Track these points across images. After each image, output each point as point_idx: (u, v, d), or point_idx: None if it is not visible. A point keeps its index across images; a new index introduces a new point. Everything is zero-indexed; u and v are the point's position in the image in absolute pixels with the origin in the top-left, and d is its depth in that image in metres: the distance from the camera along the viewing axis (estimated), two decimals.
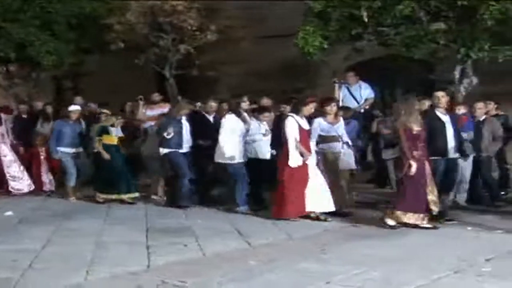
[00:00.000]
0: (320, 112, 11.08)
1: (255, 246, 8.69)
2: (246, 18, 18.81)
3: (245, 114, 11.89)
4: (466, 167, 11.71)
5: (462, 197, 11.90)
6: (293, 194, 10.32)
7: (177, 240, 8.91)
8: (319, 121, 11.07)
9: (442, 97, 10.71)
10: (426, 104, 11.43)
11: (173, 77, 17.75)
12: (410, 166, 9.60)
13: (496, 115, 12.92)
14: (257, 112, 12.03)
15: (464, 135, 11.51)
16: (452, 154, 10.52)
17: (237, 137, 11.51)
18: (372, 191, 13.52)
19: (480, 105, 12.20)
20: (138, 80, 18.63)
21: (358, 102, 13.86)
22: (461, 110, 12.10)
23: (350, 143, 11.39)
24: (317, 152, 10.91)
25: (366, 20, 12.53)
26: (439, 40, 12.56)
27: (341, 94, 13.96)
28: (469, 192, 11.98)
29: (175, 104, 13.99)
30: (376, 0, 12.10)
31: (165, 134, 12.07)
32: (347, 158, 11.30)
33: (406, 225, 9.68)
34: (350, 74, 14.04)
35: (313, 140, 10.92)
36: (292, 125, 10.43)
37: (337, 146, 11.16)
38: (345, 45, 13.83)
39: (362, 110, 14.14)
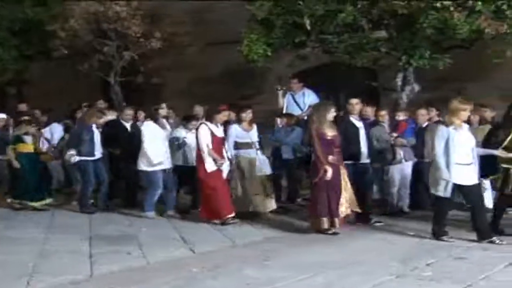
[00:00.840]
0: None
1: (199, 253, 8.72)
2: (192, 24, 18.86)
3: (164, 121, 12.16)
4: (406, 173, 11.93)
5: (404, 203, 12.09)
6: (215, 197, 10.79)
7: (121, 248, 8.88)
8: (234, 128, 11.58)
9: (356, 104, 11.09)
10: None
11: (118, 83, 17.66)
12: (325, 171, 9.76)
13: (438, 122, 13.13)
14: (185, 120, 12.33)
15: (404, 141, 11.77)
16: (364, 159, 10.81)
17: (159, 144, 11.65)
18: None
19: (422, 111, 12.41)
20: (83, 87, 18.52)
21: (301, 109, 13.94)
22: (400, 116, 12.32)
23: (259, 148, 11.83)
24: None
25: (309, 28, 12.65)
26: (380, 48, 12.76)
27: (285, 101, 14.03)
28: (412, 197, 12.16)
29: (119, 110, 13.96)
30: (319, 8, 12.20)
31: (66, 157, 12.37)
32: (262, 163, 11.64)
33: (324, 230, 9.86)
34: (294, 81, 14.12)
35: (230, 146, 11.44)
36: (205, 132, 10.89)
37: (252, 152, 11.58)
38: (289, 52, 13.92)
39: (306, 117, 14.23)
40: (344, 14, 12.10)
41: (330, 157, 9.87)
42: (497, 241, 8.97)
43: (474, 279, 7.11)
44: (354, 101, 11.11)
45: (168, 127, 12.21)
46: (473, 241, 9.17)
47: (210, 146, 10.88)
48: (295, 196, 13.30)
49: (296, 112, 13.75)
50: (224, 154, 11.16)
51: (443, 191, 9.10)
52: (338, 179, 9.94)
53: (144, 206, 11.68)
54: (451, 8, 11.36)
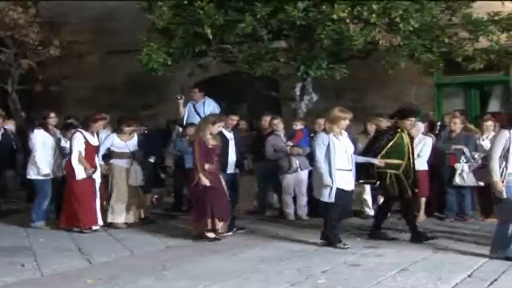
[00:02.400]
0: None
1: (96, 264, 8.58)
2: (92, 33, 18.63)
3: (55, 129, 12.04)
4: (302, 181, 12.12)
5: (303, 211, 12.27)
6: (79, 205, 10.84)
7: (15, 260, 8.64)
8: (112, 137, 11.65)
9: (231, 120, 11.60)
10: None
11: (16, 92, 17.28)
12: (199, 178, 9.92)
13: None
14: (64, 129, 12.32)
15: (300, 150, 11.97)
16: (232, 169, 11.03)
17: (48, 152, 11.54)
18: None
19: (321, 121, 12.61)
20: None
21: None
22: (298, 125, 12.50)
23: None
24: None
25: (210, 37, 12.68)
26: (280, 58, 12.91)
27: (186, 110, 14.02)
28: (310, 205, 12.34)
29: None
30: (219, 18, 12.25)
31: None
32: (136, 174, 11.65)
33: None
34: (195, 90, 14.11)
35: (100, 154, 11.48)
36: (78, 140, 10.96)
37: (126, 162, 11.62)
38: (190, 61, 13.91)
39: None
40: (244, 24, 12.17)
41: (207, 165, 10.02)
42: (341, 246, 9.32)
43: (367, 285, 7.27)
44: (234, 117, 11.76)
45: (58, 135, 11.97)
46: (368, 247, 9.38)
47: (83, 154, 10.93)
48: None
49: (197, 121, 13.70)
50: (96, 162, 11.23)
51: (327, 196, 9.33)
52: (220, 185, 10.17)
53: (32, 216, 11.47)
54: (347, 20, 11.59)
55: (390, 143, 9.92)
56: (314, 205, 12.29)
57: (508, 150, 8.25)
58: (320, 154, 9.36)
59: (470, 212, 11.96)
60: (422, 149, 11.79)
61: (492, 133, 11.93)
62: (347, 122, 9.56)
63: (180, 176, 13.30)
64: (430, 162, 11.90)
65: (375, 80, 15.24)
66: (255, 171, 12.99)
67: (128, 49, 15.55)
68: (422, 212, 11.89)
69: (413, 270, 7.96)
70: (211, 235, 10.00)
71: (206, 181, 9.96)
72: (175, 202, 13.67)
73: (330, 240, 9.47)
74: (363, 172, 9.88)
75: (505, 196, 8.27)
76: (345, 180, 9.43)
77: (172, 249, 9.68)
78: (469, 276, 7.67)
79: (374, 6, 11.59)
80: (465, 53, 12.25)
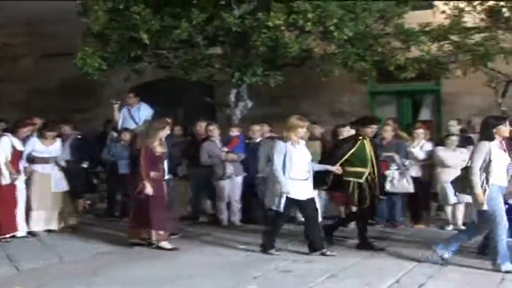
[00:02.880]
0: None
1: (24, 271, 8.45)
2: (27, 36, 18.39)
3: None
4: (236, 187, 12.18)
5: (236, 217, 12.32)
6: (1, 213, 10.54)
7: None
8: (33, 142, 11.35)
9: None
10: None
11: None
12: (143, 186, 9.82)
13: (271, 137, 13.46)
14: None
15: (235, 156, 12.02)
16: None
17: None
18: None
19: (256, 127, 12.70)
20: None
21: (137, 123, 13.88)
22: (234, 132, 12.56)
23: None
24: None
25: (146, 42, 12.63)
26: (215, 64, 12.94)
27: (121, 115, 13.94)
28: (244, 212, 12.41)
29: None
30: (155, 24, 12.22)
31: None
32: (57, 180, 11.52)
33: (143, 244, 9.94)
34: (130, 95, 14.05)
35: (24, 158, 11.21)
36: (5, 145, 10.74)
37: (47, 167, 11.42)
38: (126, 66, 13.83)
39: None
40: (180, 30, 12.16)
41: (153, 173, 9.92)
42: (328, 253, 9.29)
43: None
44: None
45: None
46: (300, 253, 9.46)
47: (9, 159, 10.71)
48: (129, 211, 13.22)
49: (132, 126, 13.69)
50: (21, 168, 11.02)
51: (276, 205, 9.31)
52: (162, 194, 10.07)
53: None
54: (283, 28, 11.69)
55: (351, 151, 9.91)
56: (247, 211, 12.46)
57: (488, 163, 8.23)
58: (278, 162, 9.29)
59: (400, 219, 12.18)
60: None
61: (423, 141, 12.21)
62: (304, 130, 9.63)
63: (114, 182, 13.25)
64: None
65: (310, 87, 15.40)
66: (189, 177, 12.98)
67: (64, 52, 15.38)
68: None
69: (342, 276, 8.07)
70: (144, 243, 9.90)
71: (150, 190, 9.83)
72: (107, 208, 13.58)
73: (264, 246, 9.52)
74: (319, 179, 9.84)
75: (486, 208, 8.23)
76: (299, 189, 9.34)
77: (103, 255, 9.59)
78: (397, 281, 7.81)
79: (309, 15, 11.69)
80: (397, 62, 12.46)
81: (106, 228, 11.90)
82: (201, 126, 13.06)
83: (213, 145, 12.37)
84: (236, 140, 12.40)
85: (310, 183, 9.53)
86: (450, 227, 11.59)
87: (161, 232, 9.92)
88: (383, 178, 11.95)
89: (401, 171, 11.87)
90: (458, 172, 10.96)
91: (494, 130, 8.36)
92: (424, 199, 12.53)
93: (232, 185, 12.25)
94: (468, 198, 11.42)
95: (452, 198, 11.17)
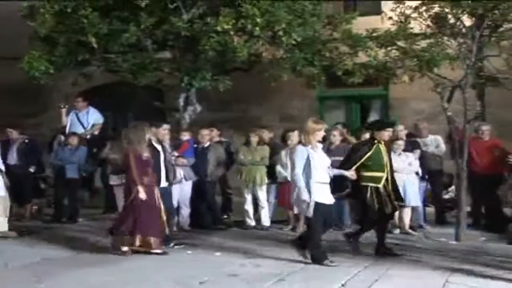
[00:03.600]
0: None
1: None
2: None
3: None
4: (186, 192, 12.15)
5: (185, 222, 12.29)
6: None
7: None
8: None
9: (166, 129, 11.12)
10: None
11: None
12: (138, 192, 9.65)
13: (220, 142, 13.50)
14: None
15: (185, 160, 11.98)
16: (164, 183, 10.51)
17: None
18: (101, 216, 13.53)
19: (205, 131, 12.69)
20: None
21: (85, 128, 13.78)
22: (185, 136, 12.53)
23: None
24: None
25: (94, 46, 12.54)
26: (164, 68, 12.90)
27: (69, 119, 13.81)
28: (193, 216, 12.39)
29: None
30: (103, 27, 12.14)
31: None
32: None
33: (138, 250, 9.72)
34: (78, 99, 13.95)
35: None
36: None
37: None
38: (73, 70, 13.71)
39: (89, 136, 14.13)
40: (128, 34, 12.11)
41: (146, 179, 9.77)
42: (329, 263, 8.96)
43: None
44: (167, 126, 11.18)
45: None
46: (248, 257, 9.48)
47: None
48: (76, 216, 13.14)
49: (80, 130, 13.58)
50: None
51: (307, 212, 8.98)
52: (154, 200, 9.84)
53: None
54: (231, 32, 11.71)
55: (367, 155, 9.71)
56: (197, 216, 12.45)
57: None
58: (299, 168, 8.97)
59: (349, 222, 12.27)
60: None
61: None
62: (322, 132, 9.27)
63: (61, 186, 13.12)
64: None
65: (259, 92, 15.46)
66: None
67: (11, 56, 15.16)
68: (301, 222, 12.10)
69: (290, 280, 8.10)
70: (126, 249, 9.68)
71: (144, 195, 9.65)
72: (55, 213, 13.42)
73: (315, 257, 9.03)
74: (336, 186, 9.46)
75: None
76: (325, 193, 9.03)
77: (49, 261, 9.43)
78: (343, 285, 7.87)
79: (258, 19, 11.72)
80: (345, 67, 12.59)
81: (52, 234, 11.72)
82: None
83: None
84: (186, 144, 12.35)
85: (329, 187, 9.20)
86: (397, 231, 11.71)
87: (154, 239, 9.72)
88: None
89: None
90: (404, 176, 11.26)
91: None
92: None
93: (182, 190, 12.20)
94: (416, 201, 11.69)
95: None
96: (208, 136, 12.73)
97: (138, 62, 12.68)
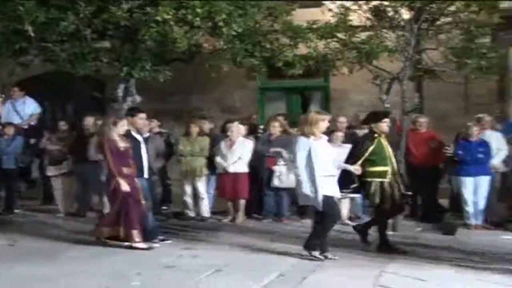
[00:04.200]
0: None
1: None
2: None
3: None
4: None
5: None
6: None
7: None
8: None
9: (141, 118, 10.84)
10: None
11: None
12: (117, 183, 9.52)
13: (160, 133, 13.41)
14: None
15: None
16: (146, 174, 10.33)
17: None
18: (39, 208, 13.37)
19: (154, 123, 12.58)
20: None
21: (22, 118, 13.54)
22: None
23: None
24: None
25: (31, 35, 12.27)
26: (103, 58, 12.72)
27: (5, 109, 13.56)
28: None
29: None
30: (40, 16, 11.90)
31: None
32: None
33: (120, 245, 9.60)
34: (14, 89, 13.70)
35: None
36: None
37: None
38: (10, 59, 13.41)
39: (26, 126, 13.90)
40: (66, 23, 11.88)
41: (125, 169, 9.62)
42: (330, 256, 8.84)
43: (180, 287, 7.35)
44: (141, 115, 10.85)
45: None
46: (185, 249, 9.47)
47: None
48: (12, 207, 12.94)
49: (17, 121, 13.34)
50: None
51: (319, 205, 8.69)
52: (136, 191, 9.67)
53: None
54: (172, 22, 11.58)
55: (370, 149, 9.50)
56: None
57: None
58: (300, 161, 8.75)
59: (287, 213, 12.33)
60: (243, 151, 12.08)
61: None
62: (326, 123, 9.03)
63: None
64: (249, 165, 12.20)
65: (200, 83, 15.38)
66: (75, 173, 12.77)
67: None
68: (241, 213, 12.15)
69: (227, 271, 8.15)
70: (113, 242, 9.59)
71: (126, 187, 9.48)
72: None
73: (310, 245, 8.87)
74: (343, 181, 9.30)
75: None
76: (331, 186, 8.82)
77: None
78: (281, 274, 7.93)
79: (198, 10, 11.62)
80: (285, 58, 12.55)
81: None
82: (88, 121, 12.86)
83: None
84: None
85: (335, 180, 9.02)
86: None
87: (136, 231, 9.57)
88: (270, 173, 12.18)
89: (288, 166, 12.02)
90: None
91: None
92: None
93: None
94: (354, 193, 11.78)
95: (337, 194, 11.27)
96: (147, 127, 12.59)
97: (76, 51, 12.44)
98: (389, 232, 10.79)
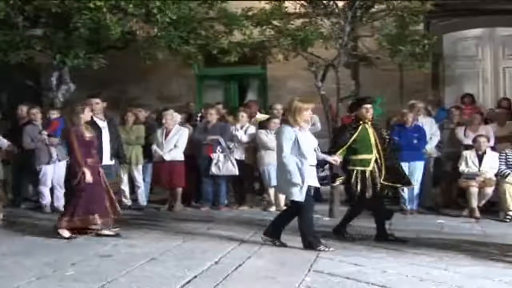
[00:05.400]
0: None
1: None
2: None
3: None
4: (61, 172, 11.87)
5: (60, 203, 12.01)
6: None
7: None
8: None
9: (97, 103, 10.70)
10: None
11: None
12: (83, 173, 9.39)
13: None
14: None
15: (56, 140, 11.73)
16: (108, 160, 10.43)
17: None
18: None
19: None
20: None
21: None
22: (54, 115, 12.26)
23: None
24: None
25: None
26: (35, 46, 12.52)
27: None
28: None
29: None
30: None
31: None
32: None
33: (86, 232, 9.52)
34: None
35: None
36: None
37: None
38: None
39: None
40: None
41: (89, 160, 9.50)
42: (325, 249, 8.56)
43: (116, 276, 7.27)
44: (96, 100, 10.72)
45: None
46: (122, 238, 9.40)
47: None
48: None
49: None
50: None
51: (299, 195, 8.51)
52: (99, 180, 9.61)
53: None
54: (104, 9, 11.47)
55: (353, 137, 9.26)
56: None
57: None
58: (287, 150, 8.50)
59: (225, 201, 12.34)
60: (179, 139, 12.04)
61: (247, 124, 12.43)
62: (309, 112, 8.74)
63: None
64: (186, 153, 12.16)
65: (137, 71, 15.23)
66: (9, 162, 12.56)
67: None
68: (178, 202, 12.12)
69: (163, 259, 8.09)
70: (66, 234, 9.40)
71: (90, 178, 9.36)
72: None
73: (309, 243, 8.59)
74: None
75: None
76: (313, 176, 8.66)
77: None
78: (216, 262, 7.91)
79: None
80: (220, 46, 12.58)
81: None
82: (22, 109, 12.67)
83: (36, 129, 12.03)
84: (56, 122, 12.04)
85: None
86: (273, 208, 11.86)
87: (102, 220, 9.51)
88: (208, 161, 12.15)
89: (225, 154, 12.03)
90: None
91: None
92: (248, 182, 12.78)
93: (56, 170, 11.92)
94: None
95: (274, 181, 11.25)
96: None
97: (8, 39, 12.24)
98: (326, 218, 10.95)
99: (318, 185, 8.90)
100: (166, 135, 12.11)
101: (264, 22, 12.02)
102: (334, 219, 10.87)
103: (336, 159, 9.13)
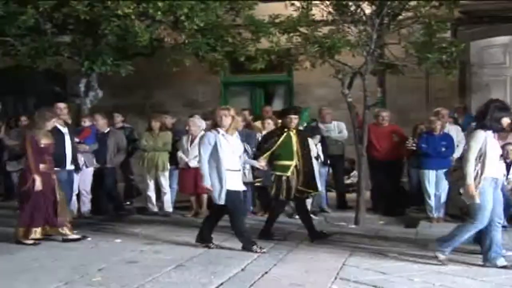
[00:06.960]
0: None
1: None
2: None
3: None
4: (87, 179, 11.97)
5: (86, 208, 12.13)
6: None
7: None
8: None
9: (64, 108, 11.02)
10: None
11: None
12: (34, 180, 9.44)
13: (122, 127, 13.33)
14: None
15: (86, 147, 11.80)
16: (69, 165, 10.71)
17: None
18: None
19: (98, 116, 12.48)
20: None
21: None
22: (86, 122, 12.31)
23: None
24: None
25: None
26: (63, 53, 12.61)
27: None
28: (93, 203, 12.22)
29: None
30: None
31: None
32: None
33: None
34: None
35: None
36: None
37: None
38: None
39: None
40: (25, 16, 11.76)
41: (42, 166, 9.55)
42: (258, 249, 8.85)
43: (142, 282, 7.29)
44: (62, 105, 11.11)
45: None
46: (147, 244, 9.43)
47: None
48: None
49: None
50: None
51: (217, 198, 8.87)
52: (51, 187, 9.67)
53: None
54: (133, 16, 11.53)
55: (277, 144, 9.73)
56: (98, 203, 12.29)
57: (484, 153, 7.77)
58: (204, 154, 8.85)
59: (251, 208, 12.32)
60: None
61: None
62: (228, 118, 8.94)
63: None
64: None
65: (163, 77, 15.32)
66: None
67: None
68: (204, 208, 12.11)
69: (189, 266, 8.09)
70: (29, 242, 9.45)
71: (39, 186, 9.43)
72: None
73: (244, 245, 8.97)
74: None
75: (478, 201, 7.85)
76: (235, 180, 8.95)
77: None
78: (242, 269, 7.91)
79: (160, 4, 11.62)
80: (247, 53, 12.59)
81: None
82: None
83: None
84: (88, 130, 12.13)
85: (241, 175, 9.30)
86: (298, 216, 11.80)
87: (60, 224, 9.62)
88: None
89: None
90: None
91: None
92: None
93: (82, 176, 11.99)
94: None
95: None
96: (106, 122, 12.53)
97: (36, 46, 12.33)
98: (352, 226, 10.92)
99: (240, 188, 9.11)
100: (191, 142, 12.11)
101: (291, 30, 11.98)
102: (360, 226, 10.85)
103: (263, 164, 9.65)
